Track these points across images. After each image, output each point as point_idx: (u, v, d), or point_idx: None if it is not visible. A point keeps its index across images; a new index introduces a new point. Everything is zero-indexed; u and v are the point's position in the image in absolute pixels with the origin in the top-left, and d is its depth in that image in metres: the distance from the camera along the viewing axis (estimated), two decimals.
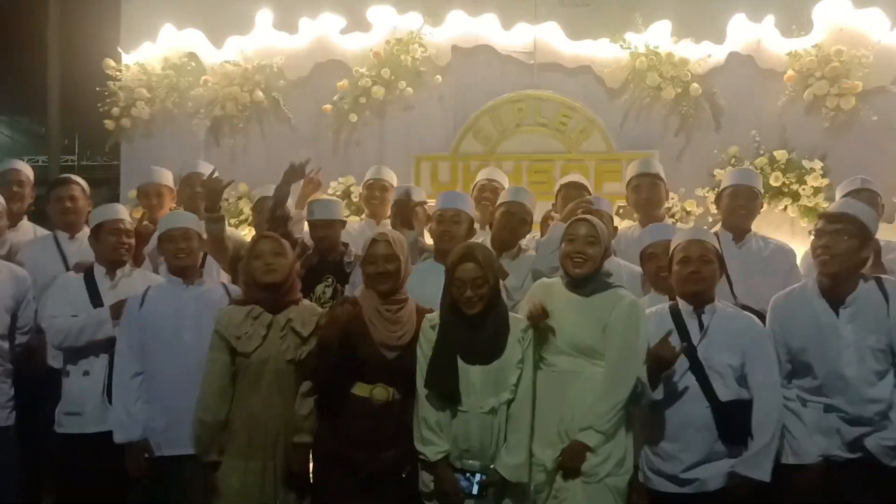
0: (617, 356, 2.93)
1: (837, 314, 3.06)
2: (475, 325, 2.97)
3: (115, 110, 5.69)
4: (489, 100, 5.46)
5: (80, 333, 3.48)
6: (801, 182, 4.96)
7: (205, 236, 3.65)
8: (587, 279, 3.04)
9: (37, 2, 6.39)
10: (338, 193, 5.47)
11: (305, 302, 3.41)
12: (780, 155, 5.01)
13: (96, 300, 3.55)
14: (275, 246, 3.28)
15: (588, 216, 3.14)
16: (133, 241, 3.73)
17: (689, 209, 5.10)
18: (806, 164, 4.99)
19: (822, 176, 4.96)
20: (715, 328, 3.07)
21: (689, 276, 3.09)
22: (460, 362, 2.96)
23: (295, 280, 3.37)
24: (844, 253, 3.02)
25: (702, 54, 5.16)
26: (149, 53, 5.76)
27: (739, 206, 4.10)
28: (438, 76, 5.48)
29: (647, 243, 3.61)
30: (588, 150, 5.34)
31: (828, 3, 5.06)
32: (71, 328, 3.49)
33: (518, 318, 3.06)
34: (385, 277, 3.12)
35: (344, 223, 4.28)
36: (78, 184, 4.29)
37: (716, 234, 3.79)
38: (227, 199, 5.48)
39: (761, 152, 5.09)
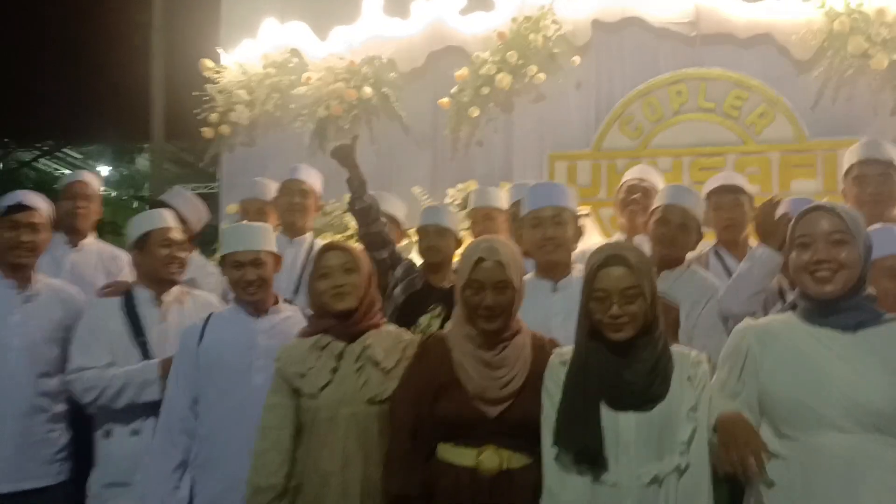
0: None
1: None
2: (625, 357, 2.06)
3: (214, 116, 5.13)
4: (640, 83, 4.45)
5: (118, 394, 2.78)
6: None
7: (280, 254, 2.88)
8: (843, 303, 1.94)
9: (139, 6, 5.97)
10: (457, 203, 4.62)
11: (389, 326, 2.61)
12: None
13: (139, 336, 2.85)
14: (345, 260, 2.51)
15: (828, 203, 2.01)
16: (187, 255, 3.03)
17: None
18: None
19: None
20: None
21: None
22: (605, 409, 2.05)
23: (374, 300, 2.58)
24: None
25: None
26: (249, 51, 5.17)
27: None
28: (576, 58, 4.54)
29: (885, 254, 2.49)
30: (770, 139, 4.22)
31: None
32: (106, 386, 2.79)
33: (686, 353, 2.12)
34: (494, 314, 2.24)
35: (459, 240, 3.41)
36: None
37: None
38: (331, 212, 4.76)
39: None
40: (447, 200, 4.65)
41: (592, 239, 4.17)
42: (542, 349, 2.30)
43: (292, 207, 3.82)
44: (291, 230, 3.80)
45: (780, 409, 1.91)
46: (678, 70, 4.41)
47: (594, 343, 2.11)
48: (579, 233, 2.90)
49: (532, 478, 2.18)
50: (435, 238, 3.27)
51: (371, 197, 3.31)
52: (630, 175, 3.80)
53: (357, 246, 2.50)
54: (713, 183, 3.51)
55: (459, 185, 4.67)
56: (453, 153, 4.82)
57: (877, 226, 2.55)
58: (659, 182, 3.77)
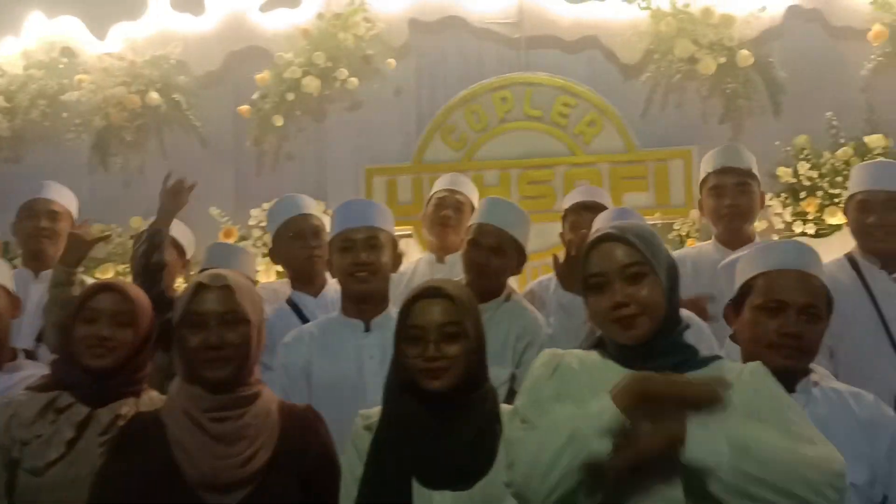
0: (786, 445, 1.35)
1: None
2: (444, 417, 1.64)
3: None
4: (462, 89, 4.03)
5: None
6: None
7: None
8: (657, 344, 1.51)
9: None
10: (262, 224, 4.02)
11: (152, 394, 2.03)
12: (875, 141, 3.57)
13: None
14: (120, 309, 1.96)
15: (617, 228, 1.57)
16: None
17: None
18: None
19: None
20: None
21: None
22: (416, 487, 1.62)
23: (144, 362, 2.03)
24: None
25: (751, 9, 3.74)
26: (10, 50, 4.35)
27: (874, 225, 2.61)
28: (392, 60, 4.06)
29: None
30: (600, 149, 3.90)
31: None
32: None
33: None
34: (222, 357, 1.74)
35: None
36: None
37: (850, 259, 2.54)
38: (118, 237, 4.04)
39: (842, 141, 3.65)
40: (251, 222, 4.05)
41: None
42: (293, 417, 1.81)
43: (38, 233, 3.11)
44: (37, 262, 3.09)
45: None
46: (503, 75, 4.02)
47: (407, 399, 1.66)
48: (398, 259, 2.45)
49: None
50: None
51: (162, 257, 2.75)
52: (439, 186, 3.36)
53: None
54: (573, 196, 3.15)
55: (265, 205, 4.07)
56: (258, 168, 4.22)
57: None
58: (474, 195, 3.36)
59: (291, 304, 2.82)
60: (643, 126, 3.91)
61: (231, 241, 3.99)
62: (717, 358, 1.54)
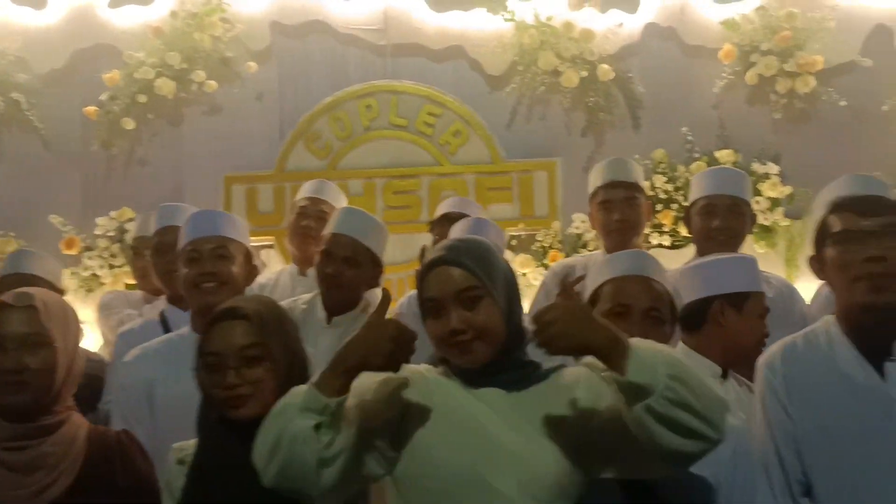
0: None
1: (882, 373, 1.70)
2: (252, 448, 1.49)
3: None
4: (326, 95, 3.92)
5: None
6: (755, 192, 3.64)
7: None
8: (499, 365, 1.48)
9: None
10: (109, 233, 3.77)
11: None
12: (724, 156, 3.69)
13: None
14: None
15: (452, 250, 1.50)
16: None
17: None
18: (757, 167, 3.70)
19: (782, 183, 3.67)
20: None
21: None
22: None
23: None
24: None
25: (610, 25, 3.81)
26: None
27: (718, 229, 2.66)
28: (253, 63, 3.90)
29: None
30: (465, 159, 3.88)
31: None
32: None
33: None
34: (20, 382, 1.59)
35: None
36: None
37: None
38: None
39: (696, 155, 3.77)
40: (97, 231, 3.80)
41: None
42: (103, 444, 1.66)
43: None
44: None
45: (439, 482, 1.40)
46: (368, 82, 3.94)
47: (218, 429, 1.55)
48: (254, 271, 2.32)
49: None
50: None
51: None
52: (302, 194, 3.23)
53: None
54: (441, 208, 3.10)
55: (112, 214, 3.83)
56: (108, 173, 3.96)
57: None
58: (340, 202, 3.26)
59: (162, 318, 2.63)
60: (508, 137, 3.91)
61: (73, 251, 3.75)
62: (559, 367, 1.51)
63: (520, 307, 1.52)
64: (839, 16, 3.75)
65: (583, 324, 1.32)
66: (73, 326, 1.71)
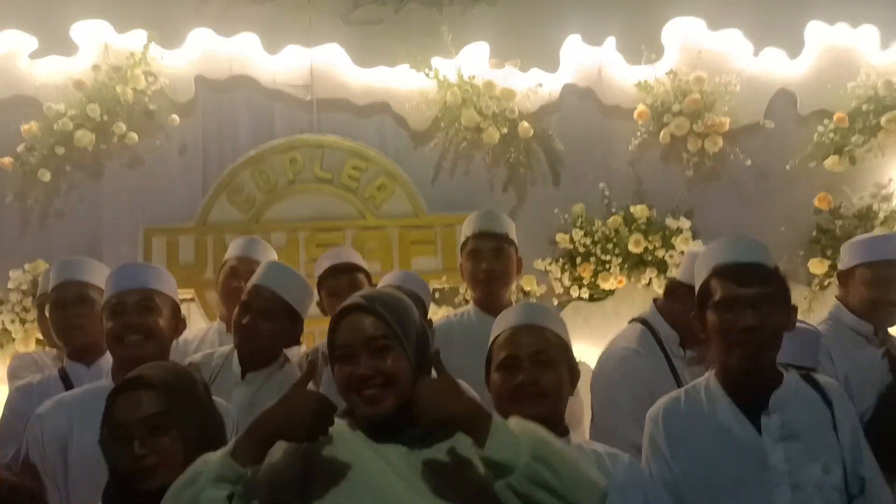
0: None
1: (759, 427, 1.82)
2: None
3: None
4: (251, 148, 3.93)
5: None
6: (668, 246, 3.77)
7: None
8: (398, 419, 1.48)
9: None
10: (22, 287, 3.67)
11: None
12: (639, 211, 3.83)
13: None
14: None
15: (367, 298, 1.54)
16: None
17: (527, 288, 3.76)
18: (670, 222, 3.84)
19: (693, 238, 3.81)
20: None
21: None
22: None
23: None
24: (775, 332, 1.84)
25: (530, 85, 3.94)
26: None
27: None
28: (176, 116, 3.89)
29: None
30: (389, 213, 3.92)
31: (679, 24, 4.04)
32: None
33: None
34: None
35: None
36: None
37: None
38: None
39: (614, 210, 3.89)
40: (10, 285, 3.69)
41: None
42: None
43: None
44: None
45: None
46: (293, 136, 3.96)
47: (130, 502, 1.57)
48: (181, 324, 2.31)
49: None
50: None
51: None
52: (232, 252, 3.19)
53: None
54: (324, 262, 3.06)
55: (27, 267, 3.73)
56: (22, 225, 3.86)
57: None
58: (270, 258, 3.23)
59: (63, 374, 2.55)
60: (432, 191, 3.97)
61: None
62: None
63: (428, 361, 1.53)
64: (744, 80, 3.97)
65: (448, 398, 1.37)
66: None
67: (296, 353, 2.83)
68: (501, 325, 1.89)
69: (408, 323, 1.52)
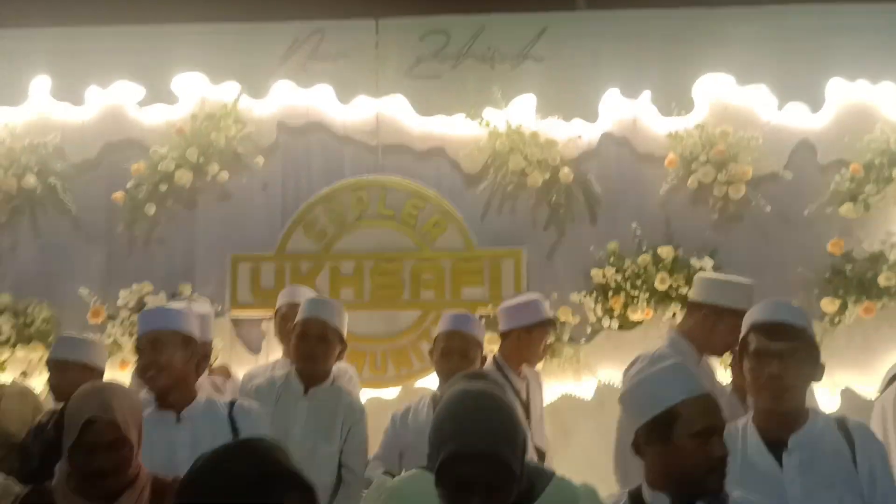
0: None
1: (780, 461, 2.16)
2: None
3: None
4: (324, 187, 4.50)
5: None
6: (691, 284, 4.17)
7: None
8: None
9: None
10: (130, 305, 4.30)
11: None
12: (666, 252, 4.24)
13: None
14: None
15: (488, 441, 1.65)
16: None
17: (563, 319, 4.22)
18: (695, 262, 4.25)
19: None
20: None
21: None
22: None
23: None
24: (801, 381, 2.18)
25: (571, 135, 4.40)
26: None
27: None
28: (260, 158, 4.48)
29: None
30: (443, 247, 4.43)
31: (709, 79, 4.43)
32: None
33: None
34: (106, 475, 2.06)
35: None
36: None
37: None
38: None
39: (644, 249, 4.32)
40: (119, 302, 4.32)
41: None
42: (162, 491, 2.11)
43: None
44: None
45: None
46: (360, 176, 4.51)
47: None
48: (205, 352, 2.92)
49: None
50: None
51: None
52: (282, 298, 3.76)
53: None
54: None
55: (134, 286, 4.37)
56: (129, 251, 4.51)
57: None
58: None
59: None
60: (481, 228, 4.45)
61: (98, 320, 4.26)
62: (553, 480, 1.80)
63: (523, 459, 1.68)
64: (769, 131, 4.33)
65: None
66: (139, 419, 2.14)
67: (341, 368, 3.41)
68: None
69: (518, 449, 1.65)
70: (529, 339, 3.48)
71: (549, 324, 3.60)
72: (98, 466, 2.03)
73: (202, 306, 3.63)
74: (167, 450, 2.45)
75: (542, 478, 1.79)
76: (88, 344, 3.34)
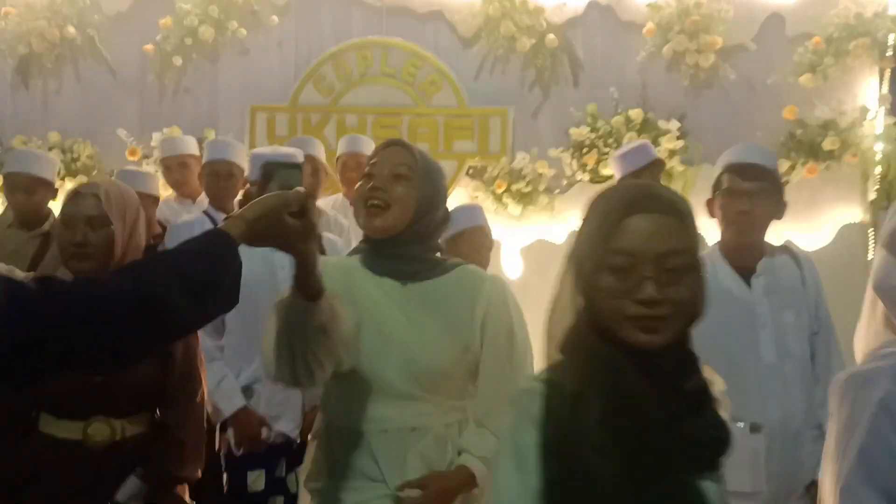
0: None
1: (749, 285, 2.42)
2: None
3: None
4: (332, 46, 4.95)
5: None
6: (656, 144, 4.66)
7: None
8: (397, 250, 1.82)
9: None
10: None
11: None
12: (636, 114, 4.69)
13: None
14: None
15: (403, 141, 1.89)
16: None
17: (541, 171, 4.75)
18: (662, 124, 4.71)
19: (678, 137, 4.68)
20: None
21: None
22: None
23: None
24: (766, 217, 2.40)
25: (558, 2, 4.77)
26: None
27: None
28: (275, 17, 4.93)
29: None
30: (438, 104, 4.91)
31: None
32: None
33: None
34: (83, 255, 2.06)
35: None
36: None
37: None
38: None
39: (619, 111, 4.78)
40: (153, 143, 4.91)
41: None
42: None
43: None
44: None
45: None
46: (366, 37, 4.95)
47: None
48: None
49: (147, 447, 2.13)
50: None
51: None
52: (343, 148, 4.23)
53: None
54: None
55: (165, 130, 4.94)
56: (161, 98, 5.05)
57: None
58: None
59: (208, 214, 3.63)
60: (473, 87, 4.90)
61: (135, 158, 4.86)
62: (460, 264, 1.90)
63: (435, 213, 1.82)
64: (741, 3, 4.64)
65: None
66: (131, 210, 2.12)
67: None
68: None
69: (431, 170, 1.82)
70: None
71: (658, 163, 3.94)
72: (76, 240, 2.03)
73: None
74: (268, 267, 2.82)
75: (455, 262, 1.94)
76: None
